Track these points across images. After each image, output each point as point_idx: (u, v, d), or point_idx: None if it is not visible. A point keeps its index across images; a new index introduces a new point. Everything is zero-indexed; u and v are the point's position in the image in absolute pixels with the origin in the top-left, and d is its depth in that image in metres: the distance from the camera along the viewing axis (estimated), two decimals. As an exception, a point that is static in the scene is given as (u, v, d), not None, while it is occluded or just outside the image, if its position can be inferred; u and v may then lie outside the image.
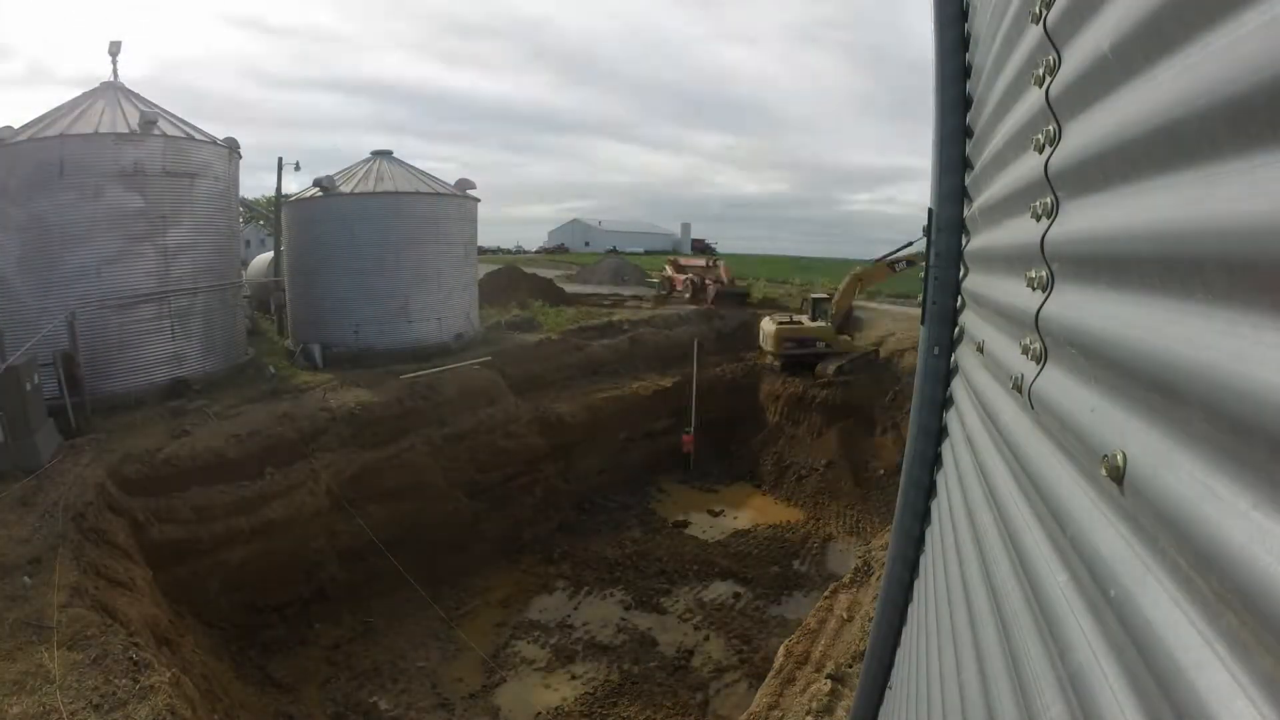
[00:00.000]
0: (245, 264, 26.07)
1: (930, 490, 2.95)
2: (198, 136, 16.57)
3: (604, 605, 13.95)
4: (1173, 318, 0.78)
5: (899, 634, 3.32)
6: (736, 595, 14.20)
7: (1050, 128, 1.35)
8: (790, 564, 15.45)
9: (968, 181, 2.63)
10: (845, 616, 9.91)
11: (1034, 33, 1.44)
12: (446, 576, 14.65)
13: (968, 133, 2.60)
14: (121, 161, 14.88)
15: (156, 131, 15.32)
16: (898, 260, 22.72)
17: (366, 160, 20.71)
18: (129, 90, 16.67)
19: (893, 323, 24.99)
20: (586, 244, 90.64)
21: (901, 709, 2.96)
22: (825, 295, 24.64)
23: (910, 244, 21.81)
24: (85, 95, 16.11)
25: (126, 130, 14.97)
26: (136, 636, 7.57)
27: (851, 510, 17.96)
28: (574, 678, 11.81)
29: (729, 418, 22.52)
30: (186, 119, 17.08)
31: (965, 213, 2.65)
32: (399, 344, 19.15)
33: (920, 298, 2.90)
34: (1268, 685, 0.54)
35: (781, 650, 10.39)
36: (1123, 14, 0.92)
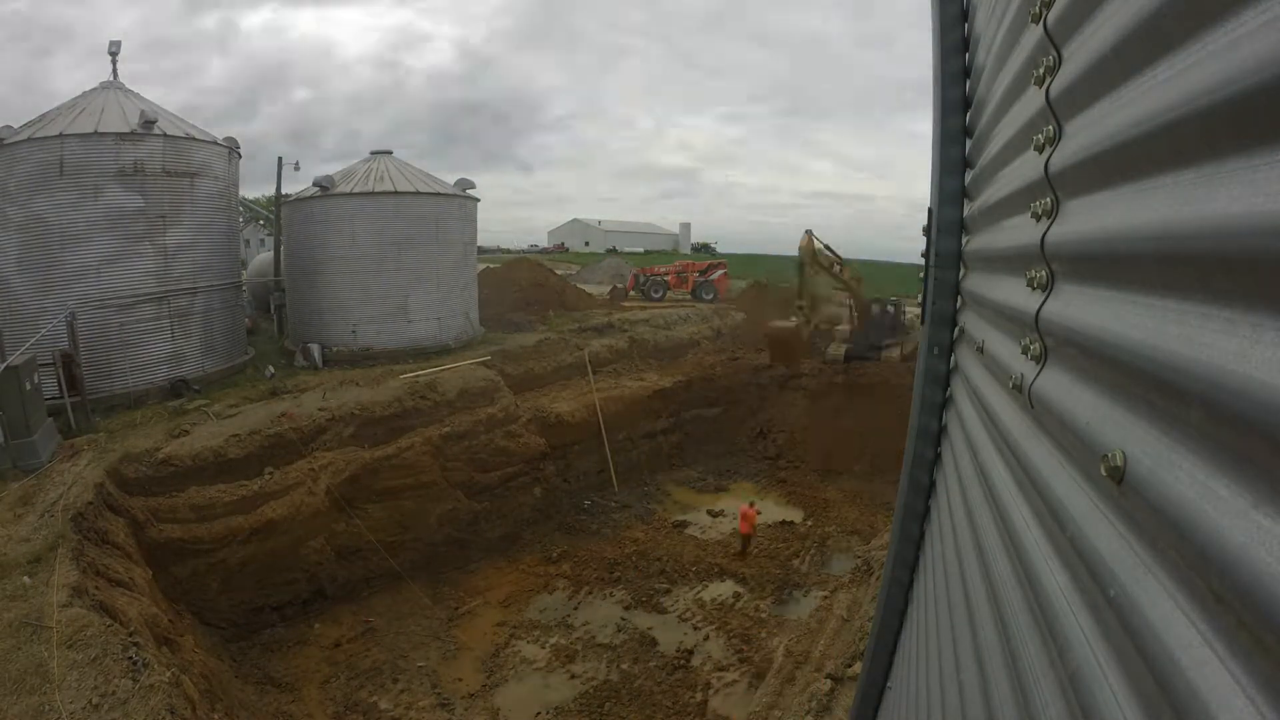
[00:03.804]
0: (245, 264, 26.06)
1: (930, 490, 2.95)
2: (198, 136, 16.57)
3: (604, 605, 13.94)
4: (1173, 318, 0.78)
5: (898, 634, 3.33)
6: (736, 595, 14.19)
7: (1050, 128, 1.35)
8: (790, 564, 15.44)
9: (968, 182, 2.63)
10: (845, 616, 9.92)
11: (1034, 33, 1.44)
12: (446, 576, 14.64)
13: (968, 133, 2.60)
14: (121, 161, 14.88)
15: (156, 131, 15.32)
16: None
17: (366, 160, 20.71)
18: (129, 89, 16.67)
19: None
20: (586, 244, 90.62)
21: (901, 709, 2.96)
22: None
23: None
24: (85, 94, 16.11)
25: (126, 130, 14.96)
26: (136, 636, 7.57)
27: (852, 508, 17.96)
28: (574, 678, 11.80)
29: (727, 416, 22.53)
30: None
31: (965, 213, 2.65)
32: (398, 343, 19.16)
33: (920, 298, 2.89)
34: (1267, 685, 0.54)
35: (781, 650, 10.40)
36: (1123, 14, 0.92)
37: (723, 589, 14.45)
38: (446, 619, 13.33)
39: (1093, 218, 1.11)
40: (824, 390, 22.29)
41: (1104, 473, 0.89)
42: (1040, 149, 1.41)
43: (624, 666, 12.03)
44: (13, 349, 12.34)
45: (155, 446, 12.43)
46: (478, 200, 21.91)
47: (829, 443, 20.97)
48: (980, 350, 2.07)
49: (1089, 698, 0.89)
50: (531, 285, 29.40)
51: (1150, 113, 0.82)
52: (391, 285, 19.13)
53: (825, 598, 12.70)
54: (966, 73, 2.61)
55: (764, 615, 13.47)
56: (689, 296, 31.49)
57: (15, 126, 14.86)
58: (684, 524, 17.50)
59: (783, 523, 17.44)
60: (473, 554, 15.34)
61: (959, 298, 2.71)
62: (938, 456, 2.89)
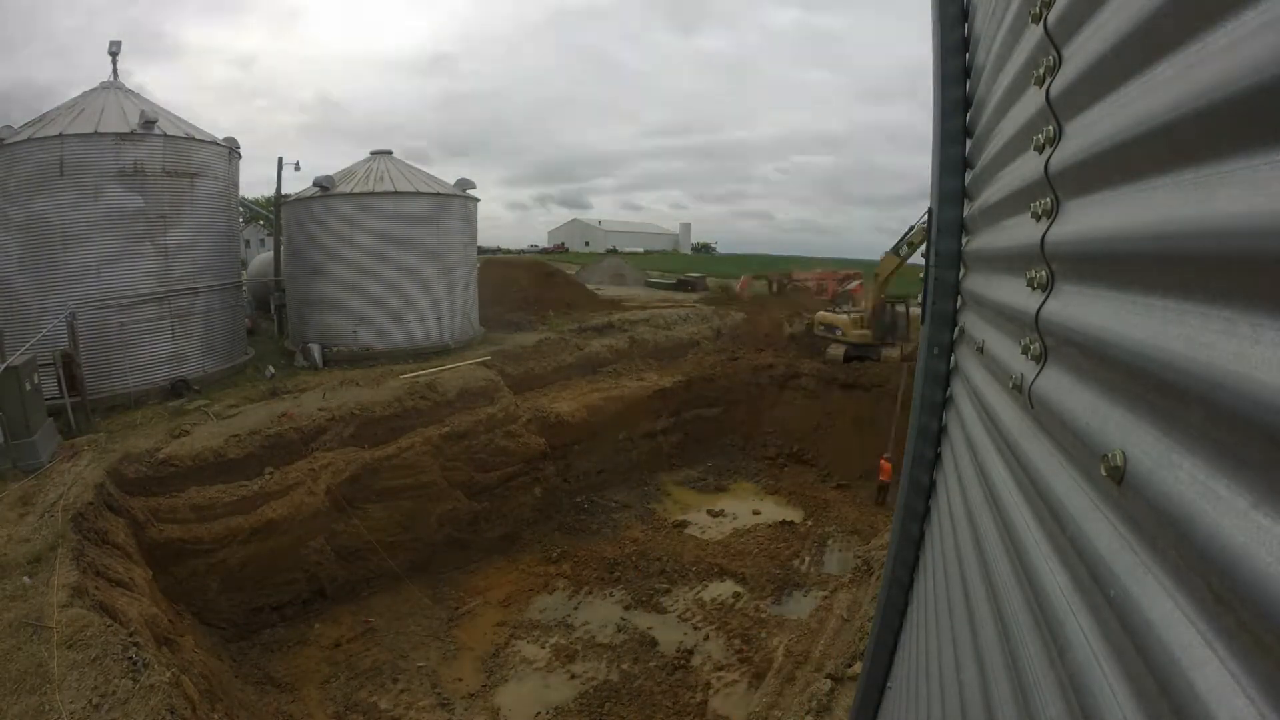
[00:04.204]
0: (245, 264, 26.08)
1: (930, 490, 2.95)
2: (198, 136, 16.58)
3: (604, 605, 13.94)
4: (1173, 318, 0.78)
5: (898, 634, 3.33)
6: (736, 595, 14.19)
7: (1050, 128, 1.35)
8: (790, 564, 15.44)
9: (968, 182, 2.63)
10: (845, 616, 9.92)
11: (1034, 33, 1.44)
12: (446, 577, 14.64)
13: (968, 133, 2.60)
14: (121, 161, 14.88)
15: (156, 131, 15.33)
16: (899, 245, 22.11)
17: (366, 160, 20.72)
18: (129, 90, 16.68)
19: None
20: (586, 244, 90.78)
21: (901, 708, 2.96)
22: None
23: (911, 228, 21.56)
24: (85, 95, 16.11)
25: (126, 130, 14.97)
26: (136, 636, 7.57)
27: (852, 508, 17.97)
28: (574, 678, 11.80)
29: (728, 416, 22.54)
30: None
31: (965, 213, 2.66)
32: (398, 343, 19.16)
33: (920, 298, 2.90)
34: (1267, 685, 0.54)
35: (781, 650, 10.41)
36: (1123, 14, 0.92)
37: (722, 589, 14.45)
38: (446, 619, 13.33)
39: (1093, 218, 1.11)
40: (824, 390, 22.33)
41: (1104, 473, 0.89)
42: (1040, 149, 1.41)
43: (624, 666, 12.03)
44: (13, 349, 12.33)
45: (155, 447, 12.43)
46: (478, 200, 21.93)
47: (830, 442, 21.00)
48: (980, 350, 2.07)
49: (1089, 698, 0.89)
50: (535, 285, 29.41)
51: (1150, 113, 0.82)
52: (391, 285, 19.13)
53: (825, 598, 12.70)
54: (966, 73, 2.61)
55: (764, 615, 13.46)
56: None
57: (15, 126, 14.87)
58: (684, 524, 17.50)
59: (783, 523, 17.44)
60: (473, 554, 15.34)
61: (959, 298, 2.72)
62: (938, 456, 2.89)
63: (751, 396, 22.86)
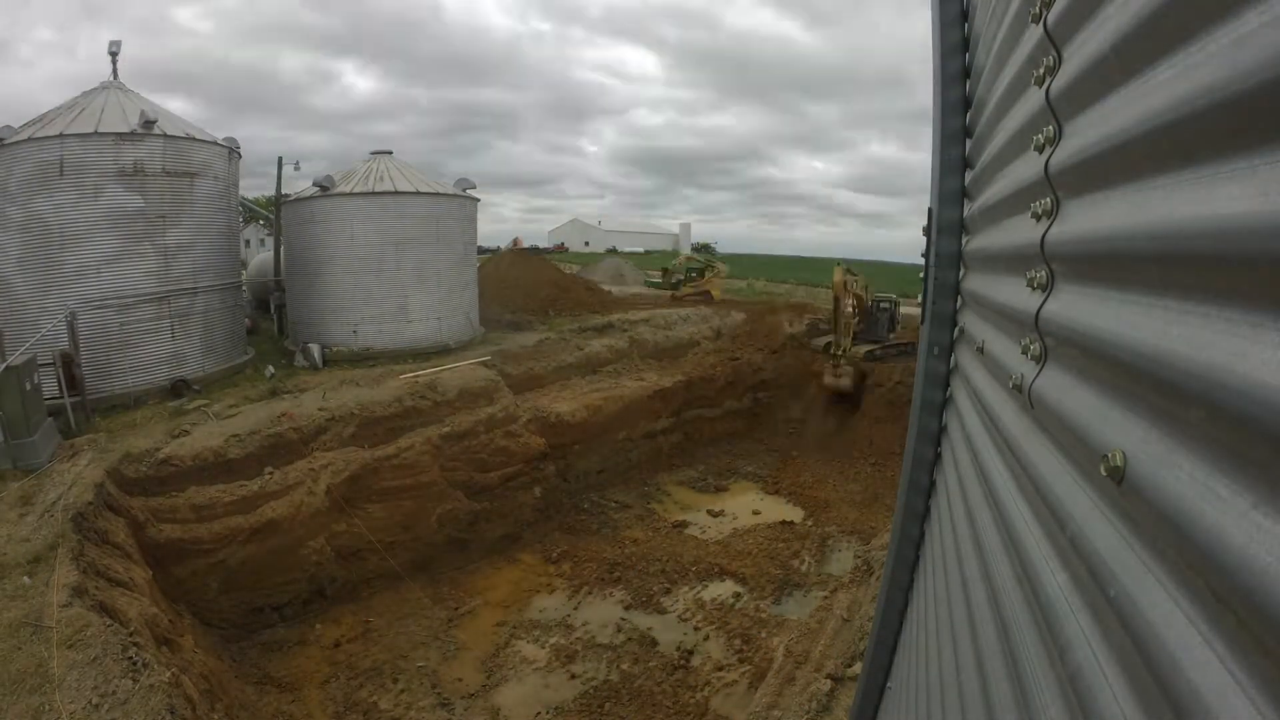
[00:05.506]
0: (245, 264, 26.08)
1: (930, 490, 2.95)
2: (198, 136, 16.58)
3: (604, 605, 13.93)
4: (1173, 318, 0.78)
5: (898, 634, 3.33)
6: (736, 595, 14.19)
7: (1050, 128, 1.35)
8: (790, 564, 15.44)
9: (968, 182, 2.63)
10: (845, 616, 9.92)
11: (1034, 33, 1.44)
12: (446, 577, 14.64)
13: (968, 133, 2.60)
14: (121, 161, 14.88)
15: (156, 131, 15.33)
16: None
17: (366, 160, 20.72)
18: (129, 89, 16.68)
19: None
20: (586, 244, 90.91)
21: (901, 709, 2.96)
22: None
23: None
24: (85, 94, 16.11)
25: (126, 130, 14.97)
26: (136, 636, 7.57)
27: (852, 508, 17.97)
28: (574, 678, 11.79)
29: (728, 416, 22.55)
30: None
31: (965, 213, 2.66)
32: (398, 344, 19.17)
33: (920, 298, 2.90)
34: (1267, 685, 0.54)
35: (781, 650, 10.39)
36: (1123, 14, 0.92)
37: (723, 589, 14.44)
38: (446, 619, 13.33)
39: (1093, 218, 1.11)
40: (825, 390, 22.37)
41: (1104, 473, 0.89)
42: (1040, 149, 1.41)
43: (624, 666, 12.03)
44: (13, 349, 12.33)
45: (155, 446, 12.43)
46: (478, 200, 21.93)
47: (830, 442, 21.03)
48: (980, 350, 2.07)
49: (1089, 698, 0.89)
50: (545, 285, 29.46)
51: (1150, 113, 0.82)
52: (391, 285, 19.14)
53: (825, 598, 12.68)
54: (966, 73, 2.61)
55: (764, 615, 13.45)
56: None
57: (15, 126, 14.87)
58: (684, 524, 17.49)
59: (783, 523, 17.44)
60: (473, 554, 15.34)
61: (959, 298, 2.72)
62: (938, 456, 2.89)
63: (751, 397, 22.88)
